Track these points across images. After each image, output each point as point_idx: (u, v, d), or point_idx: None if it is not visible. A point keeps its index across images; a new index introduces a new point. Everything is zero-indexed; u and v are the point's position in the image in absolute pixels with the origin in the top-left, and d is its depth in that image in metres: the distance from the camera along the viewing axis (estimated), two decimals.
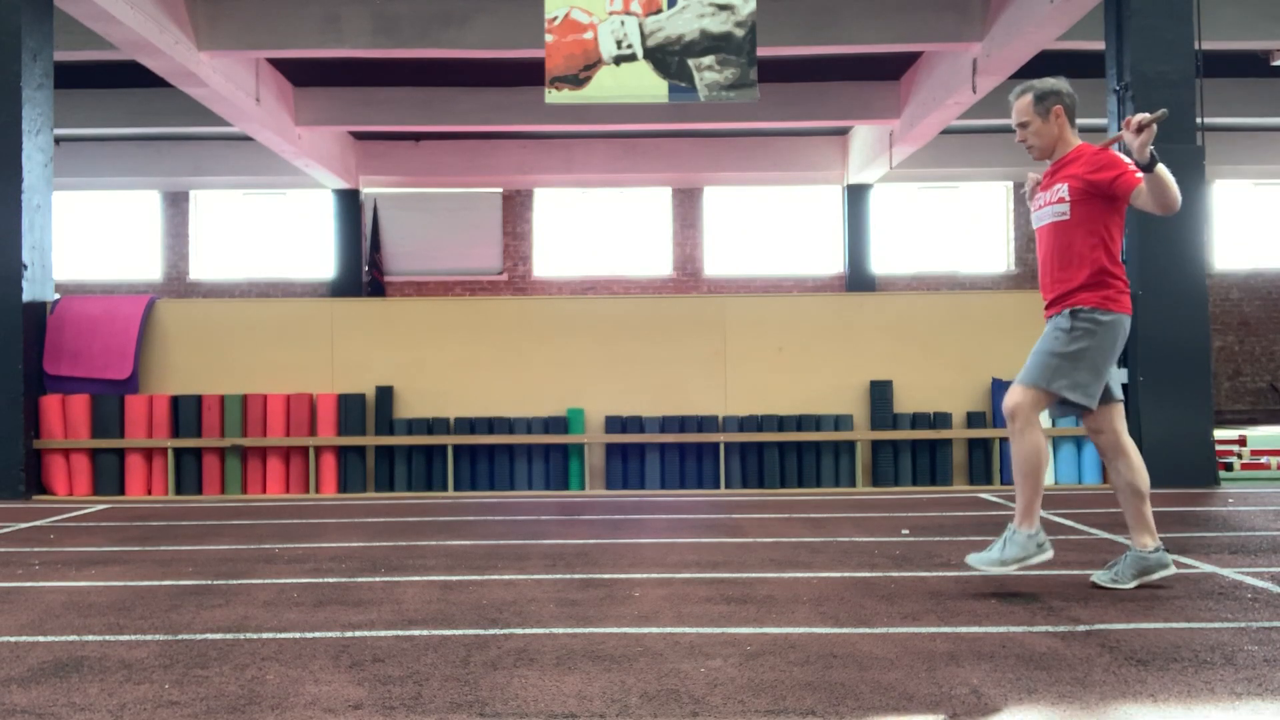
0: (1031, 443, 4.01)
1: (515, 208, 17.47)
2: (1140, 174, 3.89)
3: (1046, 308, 4.19)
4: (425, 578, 4.52)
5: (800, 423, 8.05)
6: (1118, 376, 4.29)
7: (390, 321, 8.38)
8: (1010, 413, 4.06)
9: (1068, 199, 4.08)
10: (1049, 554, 4.02)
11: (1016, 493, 4.04)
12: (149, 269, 17.46)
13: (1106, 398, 4.15)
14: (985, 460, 8.09)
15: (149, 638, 3.50)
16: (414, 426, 8.08)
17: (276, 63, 12.69)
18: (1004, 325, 8.27)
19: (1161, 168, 3.84)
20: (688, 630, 3.52)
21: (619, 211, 17.62)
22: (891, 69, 13.35)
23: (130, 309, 8.24)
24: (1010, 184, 17.44)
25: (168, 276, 17.37)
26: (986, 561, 4.01)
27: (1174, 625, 3.51)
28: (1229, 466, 8.35)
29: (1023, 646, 3.26)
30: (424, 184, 17.14)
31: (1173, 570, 4.11)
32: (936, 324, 8.31)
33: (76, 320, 8.14)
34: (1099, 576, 4.14)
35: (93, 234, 17.44)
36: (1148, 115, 3.84)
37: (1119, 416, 4.16)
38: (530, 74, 12.12)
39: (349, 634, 3.51)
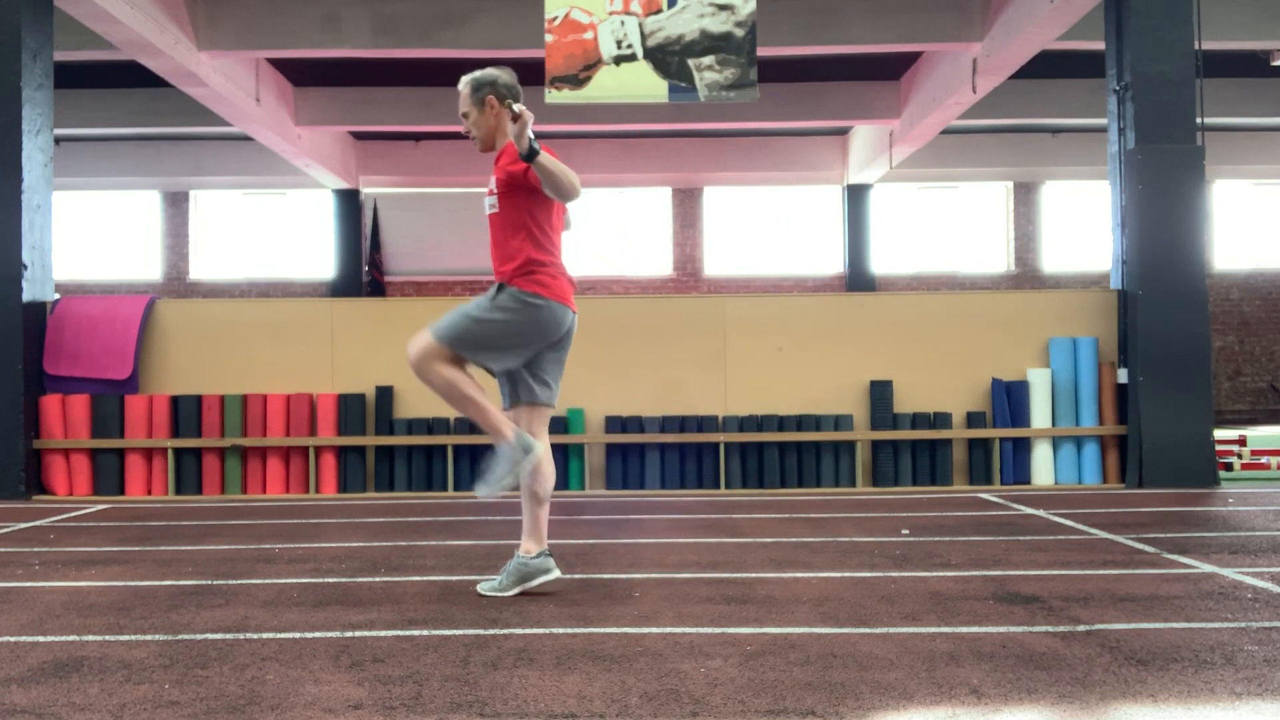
0: (442, 377, 3.92)
1: None
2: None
3: None
4: (425, 578, 4.52)
5: (800, 423, 8.05)
6: (553, 383, 4.13)
7: (390, 321, 8.37)
8: (413, 361, 3.95)
9: (495, 191, 4.05)
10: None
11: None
12: (149, 269, 17.46)
13: (528, 397, 4.09)
14: (985, 460, 8.09)
15: (149, 638, 3.50)
16: (414, 426, 8.08)
17: (276, 63, 12.69)
18: (1004, 325, 8.27)
19: (542, 158, 3.73)
20: (688, 630, 3.52)
21: (619, 211, 17.62)
22: (891, 69, 13.35)
23: (130, 309, 8.24)
24: (1010, 184, 17.45)
25: (168, 276, 17.37)
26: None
27: (1174, 625, 3.51)
28: (1229, 466, 8.35)
29: (1023, 646, 3.26)
30: (424, 184, 17.13)
31: (556, 575, 4.07)
32: (936, 324, 8.31)
33: (76, 320, 8.13)
34: (484, 587, 4.11)
35: (93, 234, 17.45)
36: (518, 107, 3.73)
37: (538, 420, 4.09)
38: (530, 74, 12.03)
39: (349, 634, 3.51)
